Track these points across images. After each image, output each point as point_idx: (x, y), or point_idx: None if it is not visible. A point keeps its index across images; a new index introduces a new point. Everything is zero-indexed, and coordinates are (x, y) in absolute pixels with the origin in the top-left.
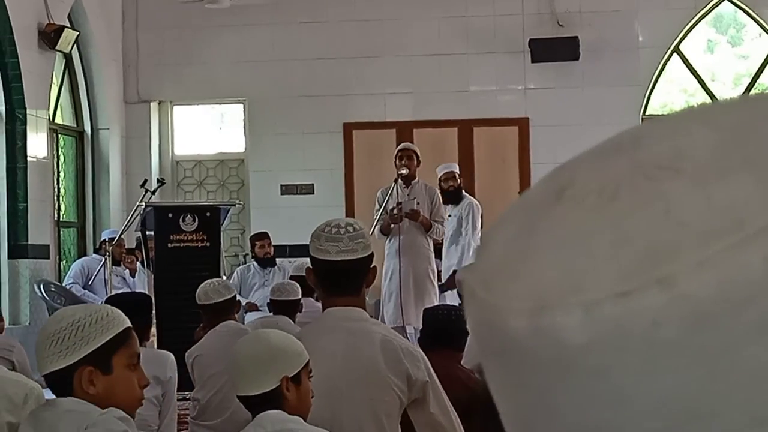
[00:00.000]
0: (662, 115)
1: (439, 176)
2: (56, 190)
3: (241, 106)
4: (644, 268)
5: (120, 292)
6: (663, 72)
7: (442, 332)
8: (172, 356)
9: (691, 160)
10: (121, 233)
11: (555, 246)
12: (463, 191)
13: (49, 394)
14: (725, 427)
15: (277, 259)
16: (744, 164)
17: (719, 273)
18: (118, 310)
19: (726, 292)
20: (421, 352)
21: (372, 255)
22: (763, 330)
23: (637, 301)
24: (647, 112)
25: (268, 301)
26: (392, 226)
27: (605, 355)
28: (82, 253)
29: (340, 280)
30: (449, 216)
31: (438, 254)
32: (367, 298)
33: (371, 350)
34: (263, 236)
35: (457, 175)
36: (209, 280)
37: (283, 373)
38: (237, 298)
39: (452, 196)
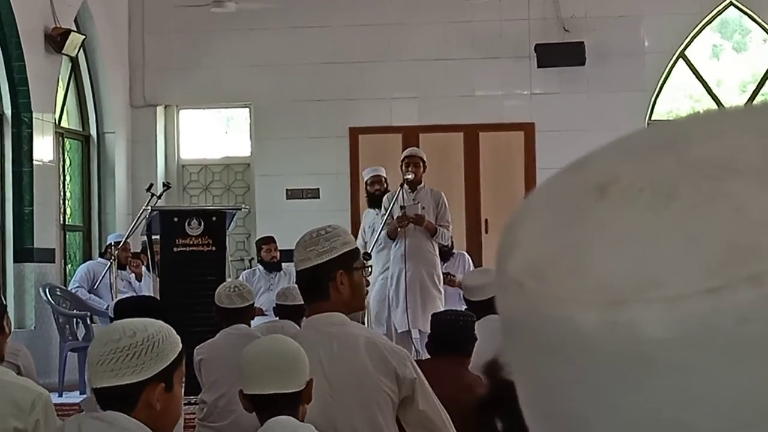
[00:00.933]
0: (684, 115)
1: (365, 179)
2: (62, 193)
3: (247, 110)
4: (731, 265)
5: (126, 296)
6: (669, 77)
7: (450, 337)
8: None
9: (747, 161)
10: (127, 237)
11: (617, 241)
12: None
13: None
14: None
15: (282, 264)
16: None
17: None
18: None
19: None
20: (407, 351)
21: (335, 260)
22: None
23: (726, 298)
24: (653, 118)
25: (274, 305)
26: (398, 230)
27: (689, 352)
28: (87, 256)
29: (304, 288)
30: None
31: (444, 259)
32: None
33: (357, 353)
34: (270, 240)
35: (383, 179)
36: (231, 283)
37: (308, 375)
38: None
39: (378, 201)
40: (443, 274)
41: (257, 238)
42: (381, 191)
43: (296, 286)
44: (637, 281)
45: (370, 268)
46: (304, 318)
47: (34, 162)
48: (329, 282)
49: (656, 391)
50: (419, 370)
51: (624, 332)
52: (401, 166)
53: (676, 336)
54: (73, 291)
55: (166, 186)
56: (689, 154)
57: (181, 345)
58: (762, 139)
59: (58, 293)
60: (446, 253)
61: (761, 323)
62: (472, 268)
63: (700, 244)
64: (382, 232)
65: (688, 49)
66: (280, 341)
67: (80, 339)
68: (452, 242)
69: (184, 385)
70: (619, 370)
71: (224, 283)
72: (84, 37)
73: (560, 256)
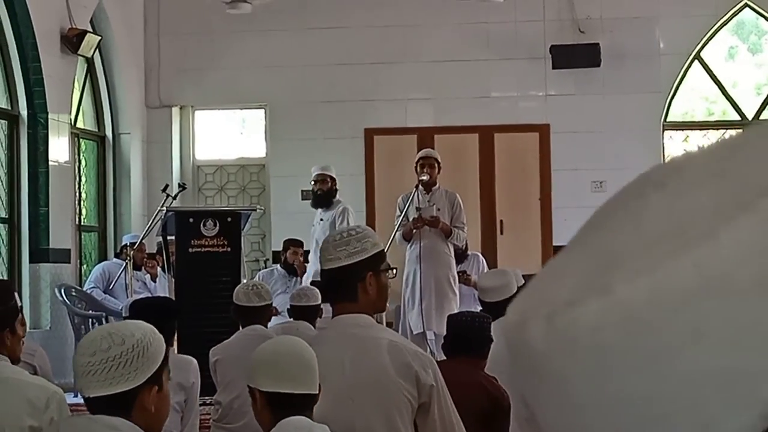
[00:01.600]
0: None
1: (312, 177)
2: (77, 194)
3: (263, 111)
4: (591, 279)
5: (142, 296)
6: (684, 79)
7: (466, 339)
8: (195, 362)
9: (680, 175)
10: (142, 238)
11: (553, 276)
12: (337, 195)
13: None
14: (676, 430)
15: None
16: (713, 177)
17: (652, 279)
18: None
19: (658, 297)
20: (431, 358)
21: (366, 261)
22: (697, 336)
23: (579, 309)
24: (668, 119)
25: (289, 306)
26: (413, 231)
27: (560, 362)
28: (102, 257)
29: (331, 288)
30: (321, 220)
31: (458, 260)
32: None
33: (379, 356)
34: (298, 244)
35: (329, 179)
36: (251, 282)
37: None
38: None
39: (322, 200)
40: (458, 272)
41: (286, 238)
42: (324, 191)
43: (312, 286)
44: (539, 300)
45: (394, 270)
46: (319, 319)
47: (50, 163)
48: (358, 283)
49: (550, 401)
50: (442, 381)
51: (521, 347)
52: (416, 167)
53: (550, 348)
54: (89, 291)
55: (182, 187)
56: (646, 173)
57: (164, 343)
58: (712, 152)
59: (74, 294)
60: (461, 255)
61: (613, 330)
62: (486, 269)
63: (591, 261)
64: (397, 233)
65: (703, 50)
66: (297, 342)
67: None
68: (466, 244)
69: (199, 386)
70: (526, 381)
71: (243, 282)
72: (100, 38)
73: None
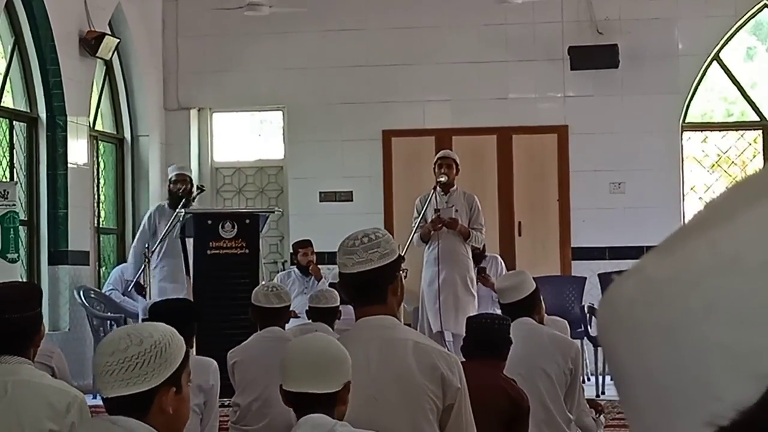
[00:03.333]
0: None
1: (169, 177)
2: (96, 196)
3: (281, 113)
4: (642, 259)
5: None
6: (703, 80)
7: (485, 341)
8: (215, 363)
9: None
10: (161, 240)
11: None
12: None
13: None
14: (691, 401)
15: (318, 267)
16: (748, 186)
17: (674, 257)
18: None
19: (677, 273)
20: (456, 359)
21: (394, 262)
22: (708, 311)
23: (621, 285)
24: (686, 120)
25: (307, 308)
26: (431, 233)
27: (609, 335)
28: (121, 259)
29: (361, 291)
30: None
31: (476, 261)
32: (405, 305)
33: (404, 357)
34: (306, 244)
35: (188, 179)
36: (269, 284)
37: (348, 378)
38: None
39: (178, 201)
40: (478, 269)
41: (294, 241)
42: (184, 191)
43: (331, 288)
44: None
45: (407, 271)
46: (338, 320)
47: (69, 165)
48: (389, 285)
49: (612, 372)
50: (465, 382)
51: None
52: (434, 168)
53: (604, 322)
54: (107, 293)
55: (200, 189)
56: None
57: (185, 346)
58: None
59: (93, 296)
60: (478, 255)
61: (641, 304)
62: (505, 271)
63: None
64: (415, 234)
65: (722, 51)
66: (324, 341)
67: None
68: (484, 246)
69: (219, 388)
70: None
71: (262, 283)
72: (118, 40)
73: None
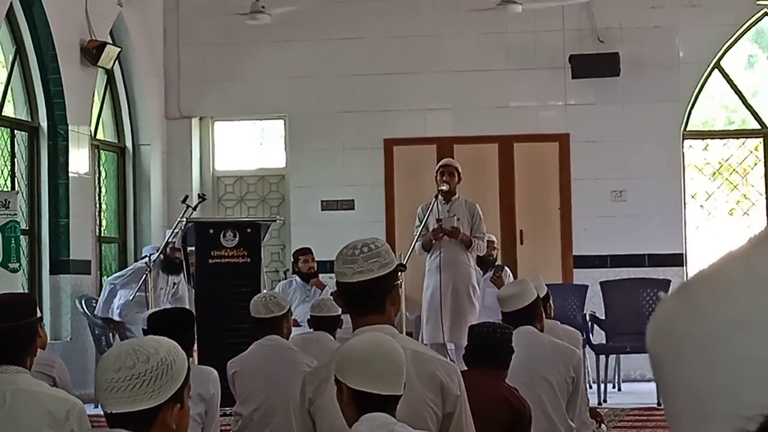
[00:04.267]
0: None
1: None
2: (98, 205)
3: (282, 121)
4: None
5: (161, 308)
6: (704, 88)
7: (487, 350)
8: (215, 373)
9: None
10: (163, 249)
11: None
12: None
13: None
14: (722, 409)
15: (319, 275)
16: None
17: (713, 273)
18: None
19: (715, 289)
20: (455, 367)
21: (393, 272)
22: (738, 325)
23: (666, 301)
24: (688, 128)
25: (309, 317)
26: (433, 242)
27: (654, 347)
28: (123, 268)
29: (361, 300)
30: None
31: (485, 268)
32: (407, 314)
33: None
34: (306, 251)
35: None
36: (265, 293)
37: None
38: (290, 314)
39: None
40: (495, 268)
41: (294, 249)
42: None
43: (331, 297)
44: None
45: (401, 282)
46: (339, 329)
47: (70, 174)
48: (388, 294)
49: (657, 382)
50: (464, 390)
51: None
52: (436, 176)
53: (652, 336)
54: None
55: (202, 198)
56: None
57: (187, 360)
58: None
59: (94, 305)
60: (487, 262)
61: (681, 317)
62: (512, 280)
63: None
64: (417, 243)
65: (723, 59)
66: (389, 342)
67: None
68: (496, 255)
69: (220, 397)
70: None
71: (258, 295)
72: (119, 49)
73: None
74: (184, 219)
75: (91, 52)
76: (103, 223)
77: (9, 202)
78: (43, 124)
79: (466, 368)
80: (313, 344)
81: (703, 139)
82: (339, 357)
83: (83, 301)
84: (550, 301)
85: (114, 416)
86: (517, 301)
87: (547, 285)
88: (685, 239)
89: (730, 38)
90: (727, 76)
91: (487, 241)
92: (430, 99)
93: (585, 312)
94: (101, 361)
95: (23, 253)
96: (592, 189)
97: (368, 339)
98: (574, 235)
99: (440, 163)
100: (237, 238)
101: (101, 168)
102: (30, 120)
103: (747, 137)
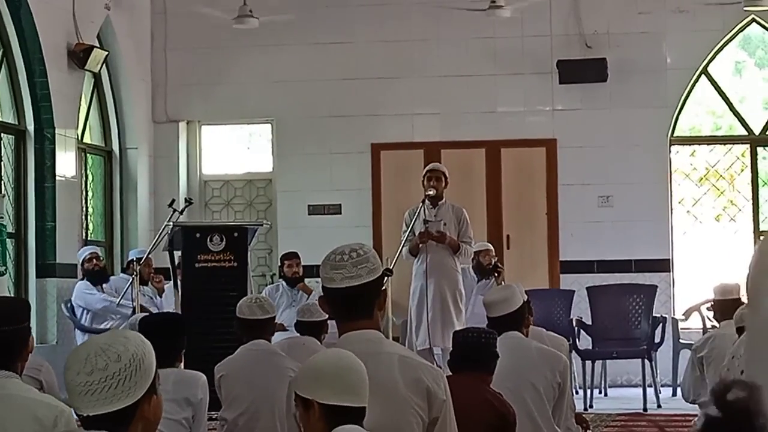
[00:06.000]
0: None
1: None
2: (84, 209)
3: (269, 126)
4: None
5: (149, 312)
6: (691, 94)
7: (473, 355)
8: (204, 377)
9: None
10: (149, 253)
11: None
12: None
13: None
14: None
15: (306, 280)
16: None
17: None
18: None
19: None
20: (441, 372)
21: (380, 278)
22: None
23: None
24: (675, 134)
25: (295, 321)
26: (420, 246)
27: (760, 278)
28: (109, 272)
29: (349, 306)
30: None
31: (485, 276)
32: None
33: (390, 371)
34: (293, 256)
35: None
36: (253, 296)
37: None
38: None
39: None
40: (494, 263)
41: (281, 254)
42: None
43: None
44: None
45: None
46: (325, 334)
47: (57, 177)
48: (375, 299)
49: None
50: (450, 397)
51: None
52: (423, 181)
53: (761, 269)
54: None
55: (188, 202)
56: None
57: (153, 350)
58: None
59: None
60: (486, 270)
61: (752, 332)
62: None
63: None
64: (404, 248)
65: (710, 65)
66: (352, 356)
67: None
68: (497, 262)
69: (208, 401)
70: None
71: (246, 296)
72: (107, 53)
73: None
74: (171, 223)
75: (79, 56)
76: (90, 226)
77: None
78: (30, 127)
79: (450, 373)
80: (299, 349)
81: (690, 145)
82: (302, 376)
83: (69, 305)
84: (531, 308)
85: (91, 418)
86: (504, 306)
87: (533, 290)
88: (672, 245)
89: (718, 44)
90: (715, 82)
91: (485, 249)
92: (417, 104)
93: (571, 317)
94: (68, 362)
95: (9, 257)
96: (579, 194)
97: (331, 354)
98: (561, 240)
99: (427, 168)
100: (224, 243)
101: (88, 171)
102: (17, 123)
103: (734, 143)
